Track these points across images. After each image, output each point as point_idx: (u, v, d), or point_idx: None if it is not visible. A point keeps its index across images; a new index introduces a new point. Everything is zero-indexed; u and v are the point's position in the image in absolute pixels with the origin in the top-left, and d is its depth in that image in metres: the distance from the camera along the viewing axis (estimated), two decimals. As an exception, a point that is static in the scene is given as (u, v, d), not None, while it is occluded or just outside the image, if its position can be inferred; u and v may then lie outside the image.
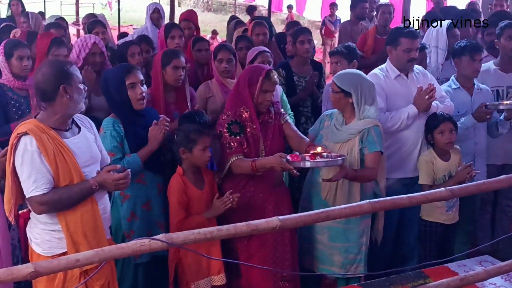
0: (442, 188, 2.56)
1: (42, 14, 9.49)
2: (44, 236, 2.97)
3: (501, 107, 4.40)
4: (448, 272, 3.42)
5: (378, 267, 4.17)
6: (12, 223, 2.94)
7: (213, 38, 15.66)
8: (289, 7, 19.71)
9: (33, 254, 3.02)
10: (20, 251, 3.66)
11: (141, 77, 3.65)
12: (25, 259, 3.59)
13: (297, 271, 3.95)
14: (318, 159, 3.44)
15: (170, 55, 4.16)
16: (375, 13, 7.86)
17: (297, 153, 3.62)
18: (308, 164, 3.45)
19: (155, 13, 7.00)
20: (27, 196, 2.87)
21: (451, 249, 4.17)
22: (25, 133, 2.83)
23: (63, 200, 2.89)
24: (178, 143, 3.55)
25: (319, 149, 3.51)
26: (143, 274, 3.73)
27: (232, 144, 3.69)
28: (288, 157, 3.46)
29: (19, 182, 2.88)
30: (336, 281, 4.15)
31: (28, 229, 3.06)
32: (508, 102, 4.40)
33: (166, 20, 7.42)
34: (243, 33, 5.95)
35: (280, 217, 2.22)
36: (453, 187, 2.63)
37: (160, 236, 1.99)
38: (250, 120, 3.71)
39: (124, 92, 3.60)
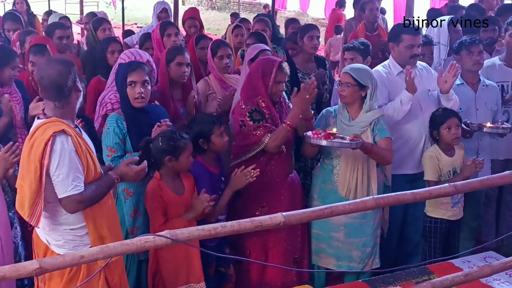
0: (446, 184, 2.57)
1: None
2: (67, 236, 2.95)
3: (484, 129, 4.35)
4: (452, 268, 3.42)
5: (383, 263, 4.17)
6: (37, 226, 2.87)
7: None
8: (265, 7, 19.59)
9: (51, 256, 2.93)
10: (23, 249, 3.67)
11: (145, 77, 3.63)
12: (27, 258, 3.61)
13: (306, 254, 4.10)
14: (332, 138, 3.60)
15: (174, 52, 4.20)
16: None
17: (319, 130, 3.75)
18: (324, 143, 3.61)
19: (163, 13, 6.99)
20: (63, 196, 2.82)
21: (456, 245, 4.16)
22: (62, 132, 2.80)
23: (96, 196, 2.93)
24: (164, 151, 3.49)
25: (334, 130, 3.66)
26: (147, 271, 3.73)
27: (260, 129, 3.80)
28: (309, 133, 3.68)
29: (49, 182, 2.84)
30: (343, 276, 4.15)
31: (43, 233, 3.00)
32: (490, 124, 4.35)
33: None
34: (236, 28, 5.97)
35: (284, 213, 2.22)
36: (457, 183, 2.63)
37: (165, 233, 2.00)
38: (268, 108, 3.85)
39: (123, 89, 3.62)
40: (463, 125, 4.31)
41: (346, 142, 3.61)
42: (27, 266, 1.81)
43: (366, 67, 4.05)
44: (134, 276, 3.72)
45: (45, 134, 2.78)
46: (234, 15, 9.22)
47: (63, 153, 2.78)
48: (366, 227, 3.95)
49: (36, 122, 2.92)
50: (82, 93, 3.01)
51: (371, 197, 2.41)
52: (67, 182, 2.80)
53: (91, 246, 2.91)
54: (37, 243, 3.06)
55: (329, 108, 4.14)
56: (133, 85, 3.59)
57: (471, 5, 7.37)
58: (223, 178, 3.82)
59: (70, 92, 2.89)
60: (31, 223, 2.85)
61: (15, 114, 3.95)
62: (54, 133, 2.78)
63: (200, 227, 2.09)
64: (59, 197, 2.84)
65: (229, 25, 7.18)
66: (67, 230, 2.95)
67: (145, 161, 3.14)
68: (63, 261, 1.90)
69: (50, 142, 2.76)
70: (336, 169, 3.94)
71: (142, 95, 3.60)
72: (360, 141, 3.61)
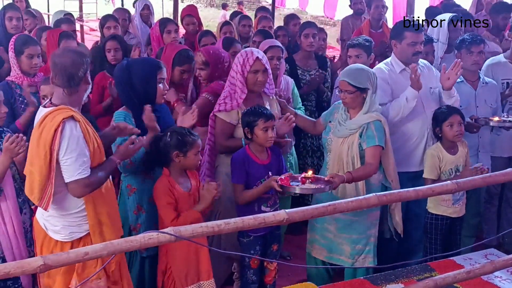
0: (449, 181, 2.57)
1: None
2: (64, 222, 3.03)
3: (491, 123, 4.38)
4: (454, 266, 3.43)
5: (384, 260, 4.17)
6: (46, 210, 2.92)
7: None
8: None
9: (49, 242, 3.05)
10: (32, 234, 3.67)
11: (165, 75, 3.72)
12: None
13: None
14: (308, 183, 3.45)
15: (179, 59, 4.30)
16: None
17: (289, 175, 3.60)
18: (297, 190, 3.46)
19: (145, 10, 7.00)
20: (70, 180, 2.90)
21: (457, 242, 4.16)
22: (71, 118, 2.88)
23: (101, 180, 3.02)
24: (172, 146, 3.49)
25: (310, 173, 3.52)
26: (150, 267, 3.73)
27: None
28: (278, 180, 3.48)
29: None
30: (343, 273, 4.15)
31: (41, 218, 3.09)
32: (497, 118, 4.37)
33: (160, 15, 7.41)
34: (225, 25, 6.01)
35: (287, 210, 2.23)
36: (459, 180, 2.62)
37: (168, 229, 2.00)
38: None
39: (152, 86, 3.58)
40: (469, 119, 4.33)
41: (318, 187, 3.44)
42: (32, 263, 1.82)
43: (362, 66, 3.98)
44: (136, 273, 3.71)
45: (55, 120, 2.87)
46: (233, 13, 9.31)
47: (72, 138, 2.87)
48: (358, 224, 3.92)
49: (43, 111, 2.99)
50: (90, 86, 3.10)
51: (374, 194, 2.41)
52: (75, 167, 2.89)
53: (88, 233, 3.03)
54: (37, 229, 3.13)
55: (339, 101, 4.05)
56: (161, 82, 3.63)
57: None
58: (270, 173, 3.73)
59: (80, 82, 2.98)
60: (41, 207, 2.93)
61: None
62: (63, 119, 2.86)
63: (204, 224, 2.09)
64: (67, 181, 2.92)
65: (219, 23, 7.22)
66: (65, 215, 3.02)
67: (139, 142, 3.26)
68: (67, 257, 1.90)
69: (60, 128, 2.84)
70: (328, 164, 3.92)
71: (166, 91, 3.72)
72: (332, 185, 3.48)
